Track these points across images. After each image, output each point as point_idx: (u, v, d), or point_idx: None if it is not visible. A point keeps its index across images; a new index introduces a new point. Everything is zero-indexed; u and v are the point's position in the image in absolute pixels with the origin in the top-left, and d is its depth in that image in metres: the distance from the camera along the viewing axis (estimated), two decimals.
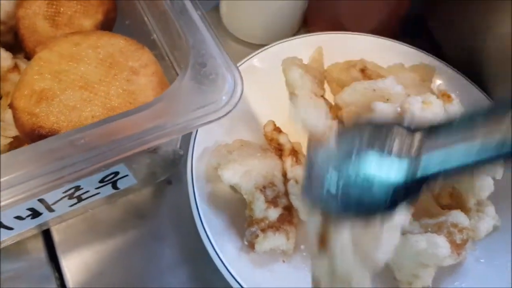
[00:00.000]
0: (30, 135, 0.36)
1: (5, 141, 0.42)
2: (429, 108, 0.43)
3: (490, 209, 0.45)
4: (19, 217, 0.38)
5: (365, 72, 0.51)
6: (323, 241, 0.37)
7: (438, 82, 0.50)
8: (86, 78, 0.38)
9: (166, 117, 0.33)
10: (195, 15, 0.38)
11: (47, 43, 0.40)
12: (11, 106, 0.37)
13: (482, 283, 0.44)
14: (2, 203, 0.28)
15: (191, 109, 0.34)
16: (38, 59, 0.38)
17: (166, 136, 0.33)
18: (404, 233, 0.43)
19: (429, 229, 0.43)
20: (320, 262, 0.36)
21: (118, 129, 0.32)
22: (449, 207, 0.46)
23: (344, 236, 0.35)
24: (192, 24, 0.37)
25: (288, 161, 0.47)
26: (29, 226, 0.41)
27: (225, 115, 0.35)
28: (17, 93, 0.37)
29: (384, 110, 0.45)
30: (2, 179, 0.29)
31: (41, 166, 0.30)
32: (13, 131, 0.43)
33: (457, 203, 0.45)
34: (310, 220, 0.38)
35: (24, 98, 0.36)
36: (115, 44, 0.40)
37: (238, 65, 0.52)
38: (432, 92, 0.50)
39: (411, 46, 0.56)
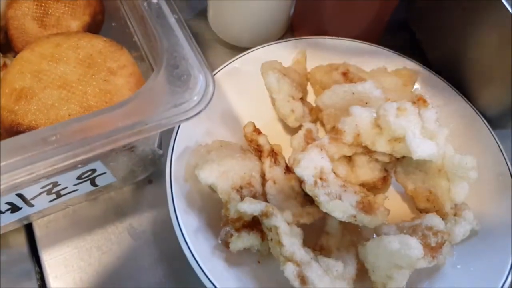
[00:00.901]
0: (9, 132, 0.37)
1: None
2: (403, 114, 0.43)
3: (468, 213, 0.45)
4: None
5: (347, 75, 0.52)
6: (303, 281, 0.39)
7: (417, 86, 0.51)
8: (65, 77, 0.39)
9: (138, 116, 0.34)
10: (171, 19, 0.39)
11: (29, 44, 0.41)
12: None
13: None
14: None
15: (164, 109, 0.35)
16: (19, 59, 0.39)
17: (138, 134, 0.34)
18: (380, 234, 0.43)
19: (404, 231, 0.44)
20: None
21: (90, 127, 0.33)
22: (427, 211, 0.46)
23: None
24: (167, 27, 0.38)
25: (267, 162, 0.48)
26: (10, 220, 0.42)
27: (196, 114, 0.36)
28: None
29: (360, 114, 0.45)
30: None
31: (14, 161, 0.31)
32: None
33: (434, 207, 0.45)
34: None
35: (4, 96, 0.38)
36: (95, 45, 0.41)
37: (222, 66, 0.53)
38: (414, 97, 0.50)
39: (394, 51, 0.57)
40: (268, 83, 0.49)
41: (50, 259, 0.46)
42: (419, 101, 0.45)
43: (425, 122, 0.44)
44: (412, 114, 0.43)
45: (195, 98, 0.36)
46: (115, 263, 0.46)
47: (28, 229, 0.48)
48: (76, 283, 0.45)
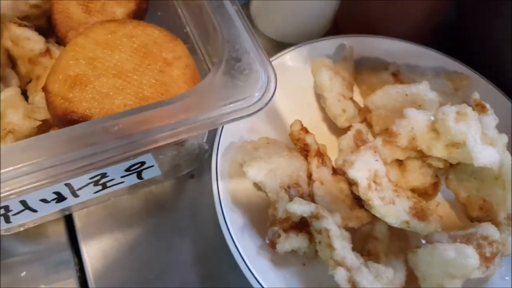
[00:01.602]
0: (62, 120, 0.36)
1: (34, 124, 0.43)
2: (463, 119, 0.42)
3: None
4: (44, 200, 0.39)
5: (398, 76, 0.51)
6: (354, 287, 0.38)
7: (473, 92, 0.49)
8: (120, 66, 0.38)
9: (198, 110, 0.33)
10: (231, 9, 0.38)
11: (82, 29, 0.40)
12: (44, 89, 0.37)
13: None
14: (36, 183, 0.28)
15: (224, 104, 0.34)
16: (73, 45, 0.38)
17: (197, 129, 0.33)
18: (432, 242, 0.42)
19: (458, 240, 0.42)
20: None
21: (150, 119, 0.32)
22: (479, 220, 0.45)
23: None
24: (228, 19, 0.37)
25: (314, 162, 0.46)
26: (53, 210, 0.41)
27: (258, 111, 0.34)
28: (52, 77, 0.37)
29: (416, 117, 0.44)
30: (35, 161, 0.29)
31: (74, 150, 0.30)
32: (42, 114, 0.43)
33: (487, 216, 0.44)
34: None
35: (58, 82, 0.36)
36: (150, 34, 0.40)
37: None
38: (464, 102, 0.49)
39: (444, 54, 0.55)
40: (320, 80, 0.47)
41: (90, 250, 0.45)
42: (477, 106, 0.44)
43: (484, 128, 0.42)
44: (472, 119, 0.41)
45: (257, 94, 0.35)
46: (155, 257, 0.45)
47: (68, 220, 0.47)
48: (114, 275, 0.44)
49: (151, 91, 0.37)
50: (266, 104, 0.35)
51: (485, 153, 0.40)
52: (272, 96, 0.35)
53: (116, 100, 0.37)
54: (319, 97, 0.51)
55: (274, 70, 0.36)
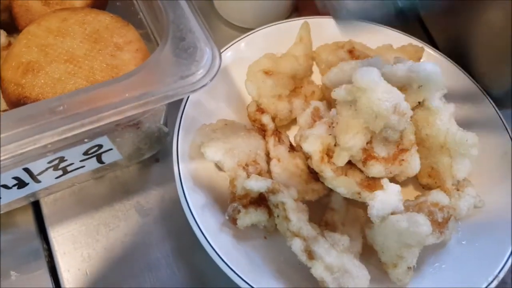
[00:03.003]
0: (15, 105, 0.37)
1: None
2: None
3: (470, 190, 0.45)
4: (5, 186, 0.40)
5: (353, 52, 0.52)
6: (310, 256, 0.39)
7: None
8: (71, 52, 0.39)
9: (145, 87, 0.34)
10: None
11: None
12: None
13: (463, 264, 0.45)
14: None
15: (170, 80, 0.35)
16: (26, 33, 0.39)
17: (144, 105, 0.34)
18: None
19: (410, 210, 0.44)
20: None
21: (97, 98, 0.33)
22: (429, 187, 0.46)
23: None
24: (173, 1, 0.38)
25: (271, 140, 0.48)
26: (17, 196, 0.42)
27: (203, 86, 0.36)
28: (5, 64, 0.38)
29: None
30: None
31: (20, 130, 0.31)
32: (3, 105, 0.44)
33: (436, 182, 0.45)
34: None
35: (11, 70, 0.38)
36: (102, 20, 0.41)
37: (226, 47, 0.53)
38: None
39: (400, 31, 0.56)
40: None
41: (58, 236, 0.47)
42: None
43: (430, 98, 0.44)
44: None
45: (201, 70, 0.36)
46: (122, 239, 0.47)
47: (36, 207, 0.48)
48: (84, 259, 0.45)
49: (102, 75, 0.38)
50: (211, 80, 0.36)
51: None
52: (217, 72, 0.36)
53: (68, 85, 0.38)
54: None
55: (218, 49, 0.37)
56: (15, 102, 0.37)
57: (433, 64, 0.42)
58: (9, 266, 0.45)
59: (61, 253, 0.46)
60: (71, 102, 0.33)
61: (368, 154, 0.42)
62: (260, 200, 0.44)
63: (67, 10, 0.41)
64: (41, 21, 0.40)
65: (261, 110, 0.49)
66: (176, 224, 0.48)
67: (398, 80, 0.44)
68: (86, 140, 0.39)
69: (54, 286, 0.44)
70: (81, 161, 0.42)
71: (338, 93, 0.41)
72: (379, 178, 0.44)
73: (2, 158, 0.31)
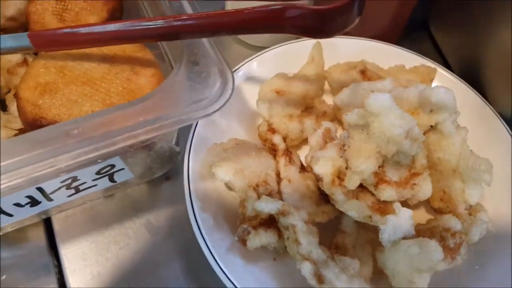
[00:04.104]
0: (32, 125, 0.38)
1: (11, 133, 0.44)
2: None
3: (482, 215, 0.45)
4: (18, 204, 0.40)
5: (365, 73, 0.52)
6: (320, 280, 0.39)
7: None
8: (89, 74, 0.40)
9: (159, 111, 0.35)
10: None
11: None
12: (16, 96, 0.39)
13: None
14: (2, 186, 0.30)
15: (183, 105, 0.35)
16: (44, 54, 0.40)
17: (158, 129, 0.35)
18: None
19: (422, 234, 0.43)
20: None
21: (112, 121, 0.34)
22: (441, 211, 0.46)
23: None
24: None
25: (282, 161, 0.48)
26: (29, 213, 0.43)
27: (216, 111, 0.36)
28: (23, 84, 0.39)
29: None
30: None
31: (36, 153, 0.31)
32: (18, 124, 0.45)
33: (448, 207, 0.45)
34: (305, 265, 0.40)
35: (29, 89, 0.38)
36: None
37: (238, 66, 0.54)
38: None
39: (411, 51, 0.56)
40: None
41: (69, 253, 0.47)
42: None
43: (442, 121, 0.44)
44: None
45: (215, 95, 0.36)
46: (132, 257, 0.47)
47: (47, 224, 0.49)
48: (93, 277, 0.45)
49: (118, 98, 0.39)
50: (223, 105, 0.36)
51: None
52: (230, 96, 0.36)
53: (84, 106, 0.38)
54: None
55: (232, 73, 0.37)
56: (31, 122, 0.38)
57: (446, 89, 0.42)
58: (19, 281, 0.46)
59: (71, 270, 0.46)
60: (86, 125, 0.33)
61: (379, 178, 0.42)
62: (270, 222, 0.44)
63: None
64: None
65: (272, 130, 0.49)
66: (185, 243, 0.48)
67: (409, 103, 0.44)
68: (99, 160, 0.39)
69: None
70: (93, 180, 0.42)
71: (350, 117, 0.41)
72: (391, 202, 0.44)
73: (16, 181, 0.31)
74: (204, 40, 0.38)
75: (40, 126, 0.38)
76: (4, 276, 0.46)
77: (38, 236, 0.48)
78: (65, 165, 0.33)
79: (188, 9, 0.40)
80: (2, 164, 0.31)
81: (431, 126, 0.45)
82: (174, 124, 0.35)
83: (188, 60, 0.37)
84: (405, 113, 0.39)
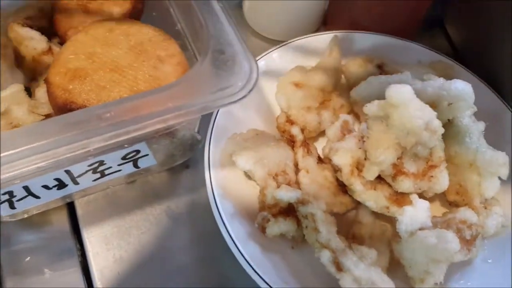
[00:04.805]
0: (62, 110, 0.39)
1: (38, 118, 0.45)
2: None
3: (497, 209, 0.45)
4: (46, 187, 0.41)
5: (383, 67, 0.53)
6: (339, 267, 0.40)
7: None
8: (116, 61, 0.41)
9: (185, 98, 0.36)
10: (216, 6, 0.40)
11: (81, 27, 0.43)
12: (46, 81, 0.40)
13: (488, 283, 0.45)
14: (34, 166, 0.31)
15: (209, 92, 0.36)
16: (74, 41, 0.41)
17: (185, 115, 0.36)
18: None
19: (438, 226, 0.44)
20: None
21: (141, 106, 0.35)
22: (456, 204, 0.46)
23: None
24: (213, 15, 0.40)
25: (300, 151, 0.49)
26: (55, 196, 0.44)
27: (241, 98, 0.37)
28: (53, 69, 0.40)
29: None
30: (32, 145, 0.32)
31: (69, 135, 0.33)
32: (45, 109, 0.46)
33: (463, 200, 0.46)
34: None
35: (59, 75, 0.40)
36: (145, 33, 0.43)
37: (257, 58, 0.55)
38: None
39: (428, 47, 0.57)
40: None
41: (91, 236, 0.48)
42: None
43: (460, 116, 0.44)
44: None
45: (240, 83, 0.37)
46: (153, 242, 0.48)
47: (70, 208, 0.50)
48: (116, 260, 0.47)
49: (145, 85, 0.40)
50: (249, 92, 0.37)
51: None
52: (255, 85, 0.37)
53: (112, 92, 0.39)
54: None
55: (256, 62, 0.38)
56: (62, 107, 0.39)
57: (465, 82, 0.43)
58: (43, 263, 0.47)
59: (94, 253, 0.47)
60: (118, 109, 0.34)
61: (398, 170, 0.43)
62: (289, 210, 0.45)
63: (113, 21, 0.43)
64: (89, 29, 0.42)
65: (290, 121, 0.50)
66: (204, 229, 0.49)
67: (428, 97, 0.45)
68: (126, 145, 0.40)
69: (86, 285, 0.46)
70: (118, 165, 0.43)
71: (370, 108, 0.42)
72: (408, 193, 0.44)
73: (51, 160, 0.32)
74: (230, 30, 0.39)
75: (70, 110, 0.39)
76: (28, 257, 0.47)
77: (61, 220, 0.49)
78: (95, 148, 0.34)
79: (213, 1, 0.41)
80: (36, 144, 0.32)
81: (448, 120, 0.45)
82: (201, 110, 0.36)
83: (214, 48, 0.38)
84: (425, 105, 0.40)
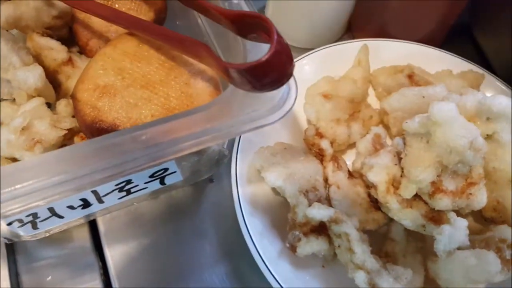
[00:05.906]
0: (90, 128, 0.38)
1: (60, 133, 0.43)
2: None
3: None
4: (71, 207, 0.40)
5: (413, 78, 0.51)
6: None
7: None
8: (147, 77, 0.39)
9: (221, 119, 0.34)
10: None
11: (103, 38, 0.41)
12: (73, 97, 0.38)
13: None
14: (67, 193, 0.30)
15: (245, 113, 0.35)
16: (102, 55, 0.39)
17: (221, 137, 0.34)
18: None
19: (477, 245, 0.43)
20: None
21: (176, 128, 0.33)
22: (493, 221, 0.45)
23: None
24: None
25: (330, 166, 0.47)
26: (79, 215, 0.43)
27: (279, 119, 0.35)
28: (81, 85, 0.38)
29: None
30: (66, 173, 0.30)
31: (104, 159, 0.31)
32: (67, 123, 0.44)
33: (501, 216, 0.44)
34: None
35: (87, 91, 0.38)
36: None
37: None
38: None
39: (457, 55, 0.55)
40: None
41: (114, 253, 0.47)
42: None
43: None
44: None
45: (277, 103, 0.35)
46: (177, 259, 0.46)
47: (92, 224, 0.48)
48: (138, 277, 0.45)
49: (177, 102, 0.38)
50: (287, 112, 0.35)
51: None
52: (293, 105, 0.36)
53: (143, 110, 0.38)
54: None
55: (295, 79, 0.36)
56: (90, 125, 0.37)
57: (507, 98, 0.41)
58: (64, 281, 0.45)
59: (117, 271, 0.46)
60: (153, 131, 0.32)
61: (436, 187, 0.41)
62: (321, 228, 0.43)
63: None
64: (117, 43, 0.40)
65: (320, 134, 0.49)
66: (231, 246, 0.47)
67: (467, 111, 0.43)
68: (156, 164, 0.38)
69: None
70: (145, 183, 0.42)
71: (410, 125, 0.40)
72: (444, 211, 0.43)
73: (86, 187, 0.31)
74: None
75: (99, 128, 0.37)
76: (50, 276, 0.45)
77: (83, 236, 0.48)
78: (131, 171, 0.32)
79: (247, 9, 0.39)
80: (71, 170, 0.30)
81: (487, 135, 0.44)
82: (237, 131, 0.35)
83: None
84: (469, 122, 0.38)
